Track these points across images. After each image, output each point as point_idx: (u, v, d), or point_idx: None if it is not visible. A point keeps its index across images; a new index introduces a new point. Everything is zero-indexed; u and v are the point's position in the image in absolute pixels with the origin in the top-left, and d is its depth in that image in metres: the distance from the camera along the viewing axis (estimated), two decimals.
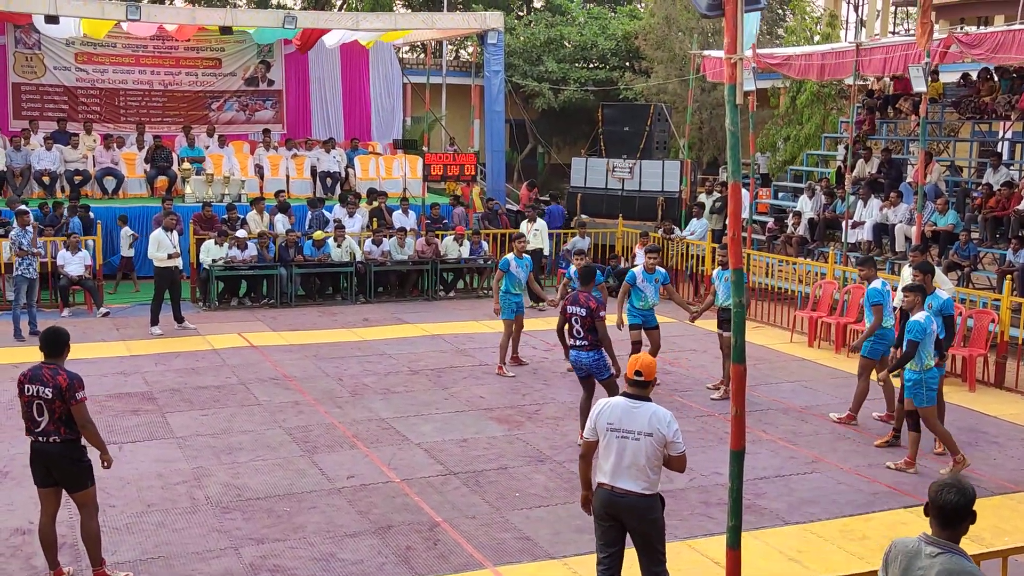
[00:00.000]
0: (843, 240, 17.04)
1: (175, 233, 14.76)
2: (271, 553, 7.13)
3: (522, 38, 29.27)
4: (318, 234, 17.08)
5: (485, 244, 18.43)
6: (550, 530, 7.67)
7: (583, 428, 8.86)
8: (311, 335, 14.51)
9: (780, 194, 21.79)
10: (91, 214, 17.20)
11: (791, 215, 19.10)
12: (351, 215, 18.35)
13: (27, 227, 13.89)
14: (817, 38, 24.38)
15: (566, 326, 9.55)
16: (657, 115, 21.70)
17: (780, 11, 29.68)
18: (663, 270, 12.03)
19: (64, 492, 6.60)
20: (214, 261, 16.17)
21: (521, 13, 34.18)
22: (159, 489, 8.31)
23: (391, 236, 17.77)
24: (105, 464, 6.56)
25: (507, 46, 22.87)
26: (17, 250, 13.71)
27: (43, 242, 15.32)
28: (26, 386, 6.39)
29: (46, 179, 19.10)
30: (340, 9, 34.07)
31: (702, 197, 20.36)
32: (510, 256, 12.92)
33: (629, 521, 5.80)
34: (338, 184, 21.12)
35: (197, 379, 11.85)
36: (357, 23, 21.62)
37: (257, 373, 12.20)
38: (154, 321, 14.41)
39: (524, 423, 10.44)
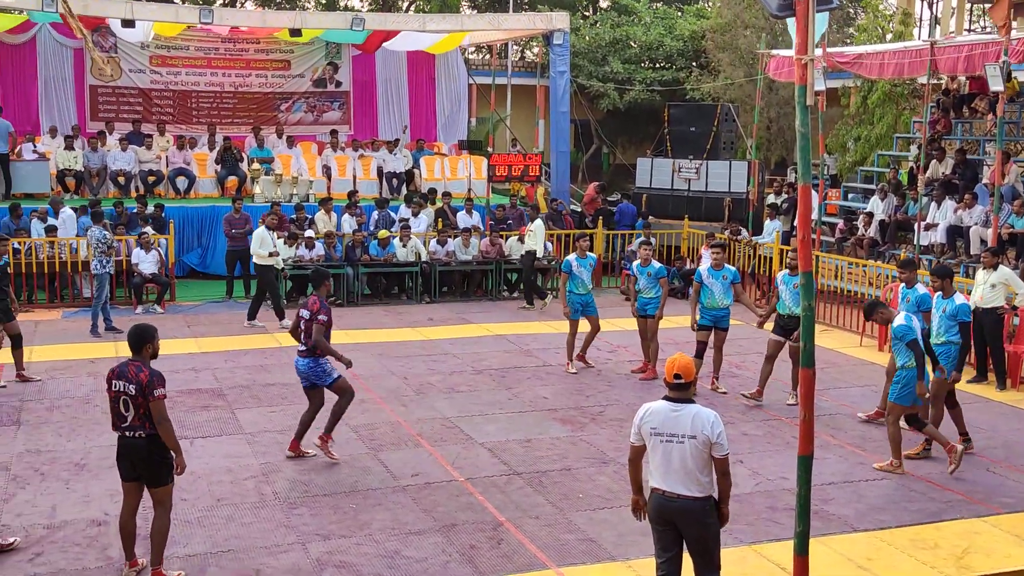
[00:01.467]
0: (915, 243, 16.69)
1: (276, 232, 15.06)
2: (337, 549, 7.21)
3: (587, 38, 29.19)
4: (382, 233, 17.24)
5: (549, 244, 18.43)
6: (614, 532, 7.64)
7: (297, 438, 9.06)
8: (377, 334, 14.65)
9: (850, 195, 21.42)
10: (163, 214, 17.58)
11: (861, 217, 18.77)
12: (416, 215, 18.49)
13: (105, 226, 14.24)
14: (889, 36, 23.91)
15: (298, 329, 9.09)
16: (724, 115, 21.49)
17: (851, 9, 29.18)
18: (733, 268, 11.89)
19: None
20: (283, 260, 16.40)
21: (587, 13, 34.10)
22: (228, 484, 8.46)
23: (456, 236, 17.87)
24: (178, 470, 6.65)
25: (572, 46, 22.83)
26: (105, 248, 14.06)
27: (118, 241, 15.72)
28: (113, 382, 6.56)
29: (121, 179, 19.58)
30: (407, 11, 34.34)
31: (771, 198, 20.11)
32: (572, 257, 12.88)
33: (683, 525, 5.75)
34: (404, 184, 21.30)
35: (265, 376, 12.05)
36: (424, 24, 21.78)
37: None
38: (251, 315, 14.85)
39: (588, 424, 10.41)
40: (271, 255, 14.83)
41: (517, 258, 17.94)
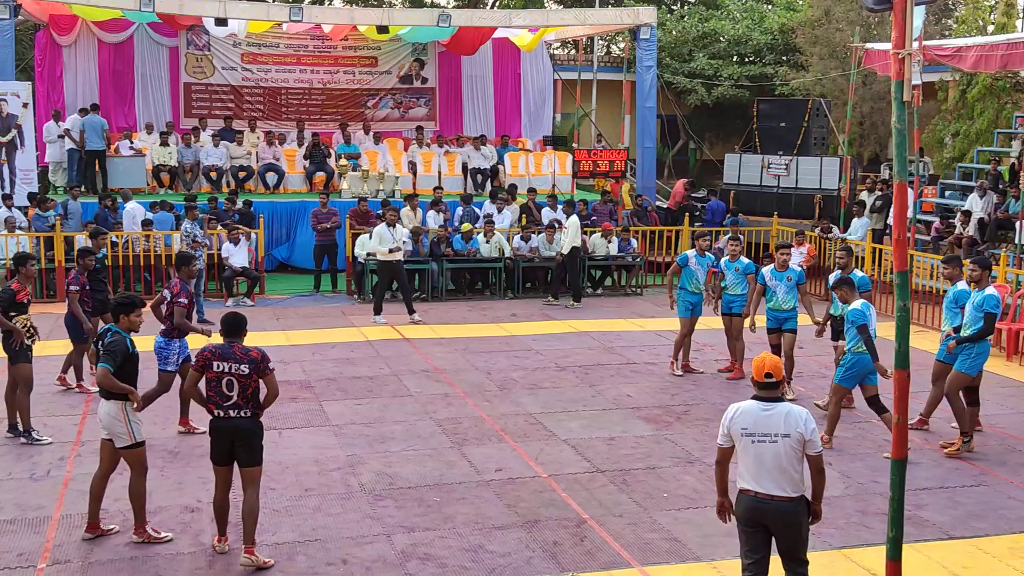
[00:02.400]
0: (1017, 241, 16.12)
1: (398, 227, 15.22)
2: (421, 541, 7.27)
3: (673, 33, 28.92)
4: (465, 226, 17.33)
5: (634, 241, 18.30)
6: (698, 532, 7.55)
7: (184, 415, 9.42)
8: (461, 329, 14.74)
9: (947, 192, 20.79)
10: (252, 208, 17.95)
11: (959, 215, 18.21)
12: (501, 211, 18.54)
13: (197, 220, 14.59)
14: (991, 28, 23.14)
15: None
16: (815, 110, 21.04)
17: (949, 1, 28.31)
18: (798, 268, 11.55)
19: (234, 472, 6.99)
20: (368, 255, 16.62)
21: (673, 7, 33.77)
22: (316, 475, 8.60)
23: (540, 232, 17.86)
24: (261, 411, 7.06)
25: (658, 41, 22.61)
26: (191, 241, 14.43)
27: (210, 235, 16.12)
28: (215, 363, 6.79)
29: (213, 174, 20.04)
30: (492, 7, 34.46)
31: (863, 195, 19.63)
32: (691, 252, 12.53)
33: (775, 526, 5.67)
34: (488, 180, 21.37)
35: (352, 369, 12.21)
36: (509, 20, 21.80)
37: (409, 365, 12.48)
38: (377, 311, 15.04)
39: (673, 423, 10.31)
40: (391, 251, 14.98)
41: (600, 255, 17.87)
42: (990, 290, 9.53)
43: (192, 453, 8.99)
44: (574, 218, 16.74)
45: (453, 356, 12.95)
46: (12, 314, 9.16)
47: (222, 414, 6.82)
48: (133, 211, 17.10)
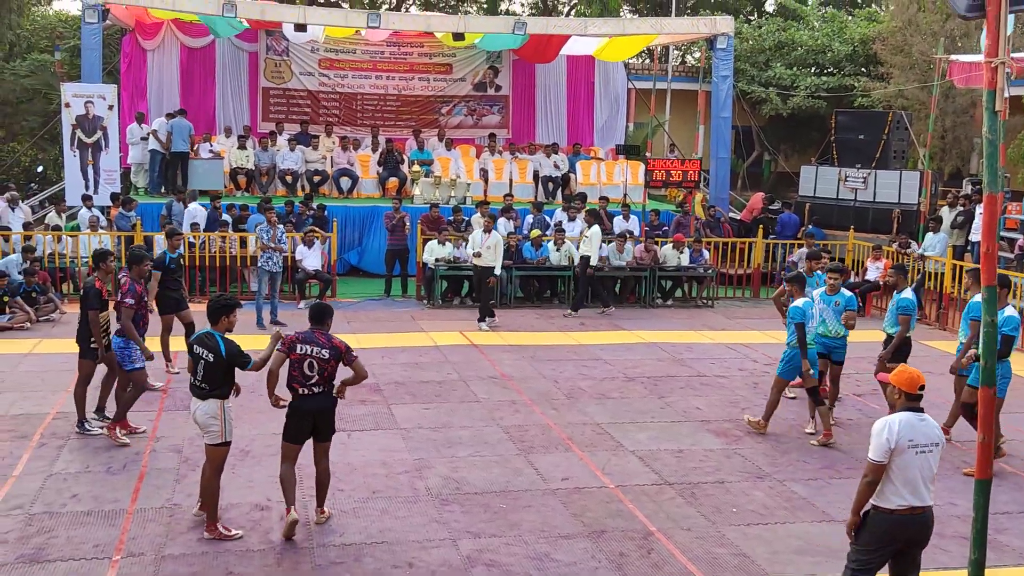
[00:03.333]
0: None
1: (492, 234, 15.32)
2: (487, 548, 7.26)
3: (750, 42, 28.54)
4: (534, 233, 17.30)
5: (706, 252, 18.11)
6: (768, 549, 7.41)
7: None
8: (528, 336, 14.72)
9: None
10: (326, 212, 18.16)
11: None
12: (571, 219, 18.49)
13: (273, 224, 14.79)
14: None
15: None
16: (896, 123, 20.59)
17: None
18: (849, 293, 10.63)
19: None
20: (437, 260, 16.71)
21: (751, 17, 33.37)
22: (383, 477, 8.64)
23: (610, 241, 17.77)
24: (337, 390, 7.49)
25: (734, 50, 22.36)
26: (262, 244, 14.66)
27: (287, 238, 16.34)
28: (299, 346, 7.30)
29: (289, 178, 20.35)
30: (568, 15, 34.46)
31: (943, 211, 19.15)
32: (804, 300, 10.25)
33: (918, 538, 5.70)
34: (559, 189, 21.34)
35: (420, 374, 12.27)
36: (585, 28, 21.76)
37: (477, 371, 12.49)
38: (480, 317, 15.18)
39: (743, 438, 10.15)
40: (475, 255, 15.21)
41: (672, 266, 17.71)
42: (1009, 310, 9.52)
43: (264, 452, 9.10)
44: (595, 227, 16.48)
45: (521, 363, 12.93)
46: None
47: (305, 392, 7.30)
48: (194, 212, 17.42)
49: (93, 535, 7.24)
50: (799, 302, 10.01)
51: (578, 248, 16.57)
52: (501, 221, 18.17)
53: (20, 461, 8.73)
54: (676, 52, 31.11)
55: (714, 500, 8.37)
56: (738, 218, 21.60)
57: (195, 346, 7.39)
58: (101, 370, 9.70)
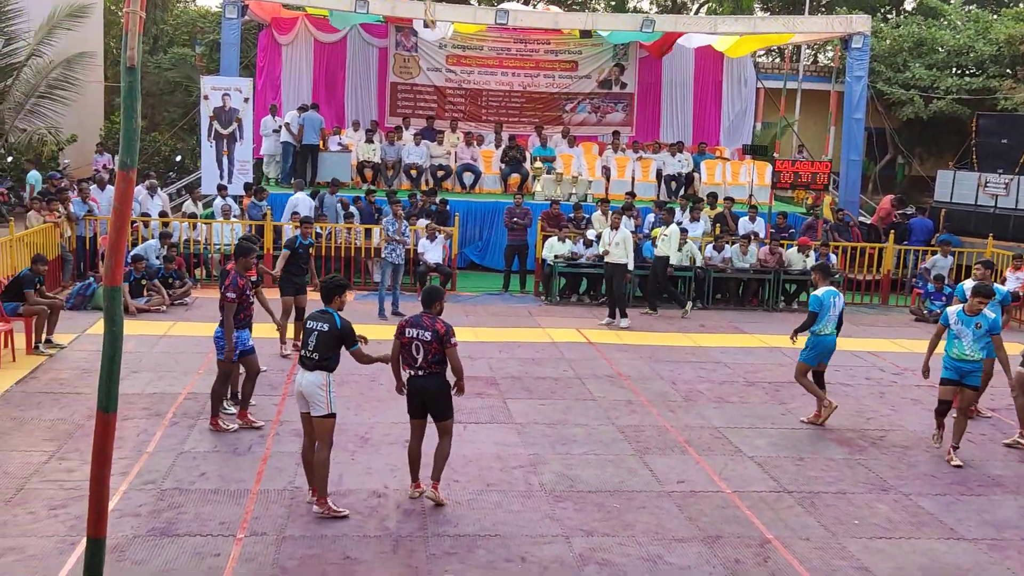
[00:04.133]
0: None
1: (621, 229, 15.23)
2: (600, 547, 7.21)
3: (887, 42, 27.57)
4: (656, 231, 17.10)
5: (833, 257, 17.60)
6: (892, 564, 7.15)
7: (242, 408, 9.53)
8: (646, 336, 14.58)
9: None
10: (449, 207, 18.37)
11: None
12: (694, 219, 18.23)
13: (399, 217, 15.02)
14: None
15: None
16: None
17: None
18: (992, 315, 9.50)
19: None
20: (556, 257, 16.70)
21: (889, 16, 32.26)
22: (498, 471, 8.68)
23: (734, 243, 17.45)
24: (456, 390, 7.76)
25: (871, 49, 21.65)
26: (386, 236, 14.93)
27: (410, 231, 16.59)
28: (407, 329, 7.66)
29: (413, 172, 20.67)
30: (698, 12, 33.99)
31: None
32: (954, 309, 9.69)
33: None
34: (683, 188, 21.07)
35: (537, 369, 12.28)
36: (715, 27, 21.44)
37: (593, 369, 12.44)
38: (612, 314, 15.17)
39: (867, 448, 9.82)
40: (604, 253, 15.17)
41: (797, 269, 17.29)
42: (820, 291, 10.47)
43: (382, 440, 9.26)
44: (673, 226, 16.43)
45: (638, 363, 12.81)
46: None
47: (412, 373, 7.68)
48: (296, 202, 17.78)
49: (219, 512, 7.50)
50: (819, 291, 10.49)
51: (655, 246, 16.53)
52: (622, 219, 18.03)
53: (153, 438, 9.10)
54: (808, 51, 30.34)
55: (835, 511, 8.12)
56: (868, 222, 20.92)
57: (309, 321, 7.69)
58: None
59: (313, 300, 9.78)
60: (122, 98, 4.75)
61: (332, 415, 7.56)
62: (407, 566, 6.77)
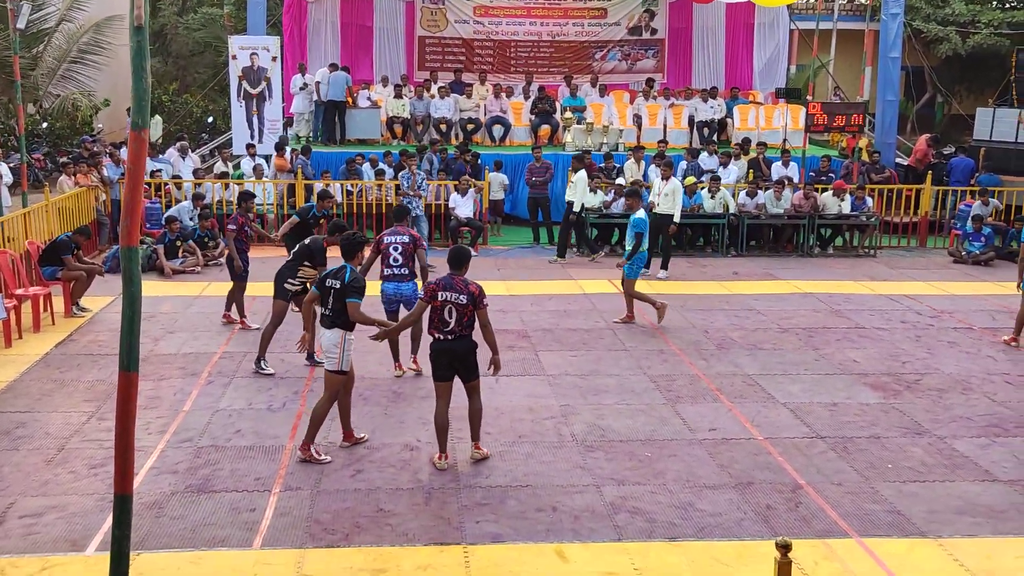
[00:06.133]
0: None
1: (671, 180, 15.10)
2: (631, 495, 7.25)
3: None
4: (689, 180, 16.91)
5: (869, 200, 17.36)
6: (925, 507, 7.12)
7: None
8: (679, 285, 14.50)
9: None
10: (479, 161, 18.28)
11: None
12: (726, 166, 18.03)
13: (413, 172, 14.96)
14: None
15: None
16: None
17: None
18: None
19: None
20: (587, 208, 16.60)
21: None
22: (529, 422, 8.73)
23: (767, 188, 17.25)
24: (493, 369, 7.66)
25: None
26: (401, 191, 14.95)
27: (428, 185, 16.52)
28: (439, 293, 7.54)
29: (443, 126, 20.58)
30: None
31: None
32: None
33: None
34: (715, 134, 20.81)
35: (568, 321, 12.29)
36: None
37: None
38: (664, 265, 15.18)
39: (902, 392, 9.75)
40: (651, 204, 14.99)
41: (832, 214, 17.08)
42: (640, 213, 11.82)
43: (414, 395, 9.34)
44: (581, 172, 16.20)
45: (671, 313, 12.72)
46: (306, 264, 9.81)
47: (441, 337, 7.56)
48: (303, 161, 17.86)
49: (255, 468, 7.63)
50: (640, 212, 11.81)
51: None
52: (652, 167, 17.89)
53: (189, 397, 9.25)
54: None
55: (868, 456, 8.09)
56: (905, 163, 20.57)
57: (327, 279, 7.78)
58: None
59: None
60: (131, 58, 4.73)
61: (342, 372, 7.69)
62: (439, 517, 6.85)
